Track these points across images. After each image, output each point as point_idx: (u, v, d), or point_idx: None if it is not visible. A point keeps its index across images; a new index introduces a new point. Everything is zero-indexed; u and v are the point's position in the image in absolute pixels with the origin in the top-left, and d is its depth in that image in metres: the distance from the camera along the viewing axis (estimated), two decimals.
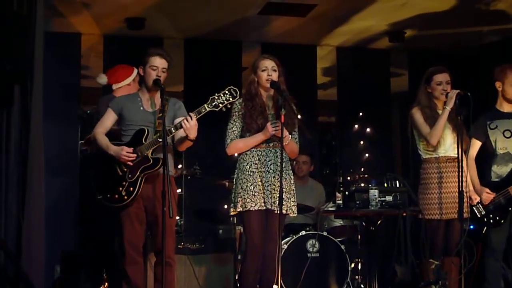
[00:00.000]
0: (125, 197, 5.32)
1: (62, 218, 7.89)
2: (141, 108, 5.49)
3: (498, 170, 6.21)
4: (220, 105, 5.25)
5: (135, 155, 5.33)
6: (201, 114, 5.25)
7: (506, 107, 6.26)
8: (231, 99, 5.26)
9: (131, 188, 5.32)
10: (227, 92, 5.26)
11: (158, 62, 5.45)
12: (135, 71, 6.42)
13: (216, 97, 5.25)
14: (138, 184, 5.32)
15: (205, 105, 5.25)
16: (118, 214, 5.41)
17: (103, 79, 6.64)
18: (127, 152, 5.31)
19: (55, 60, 7.80)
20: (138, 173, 5.33)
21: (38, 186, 5.28)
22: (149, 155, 5.33)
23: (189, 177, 7.63)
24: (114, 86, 6.52)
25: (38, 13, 5.29)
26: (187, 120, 5.17)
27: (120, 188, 5.33)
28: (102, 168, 5.45)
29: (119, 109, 5.51)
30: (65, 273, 7.25)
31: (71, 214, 8.11)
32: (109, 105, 5.58)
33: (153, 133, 5.38)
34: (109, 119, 5.55)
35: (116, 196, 5.34)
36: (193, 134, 5.24)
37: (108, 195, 5.37)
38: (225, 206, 7.17)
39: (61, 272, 7.32)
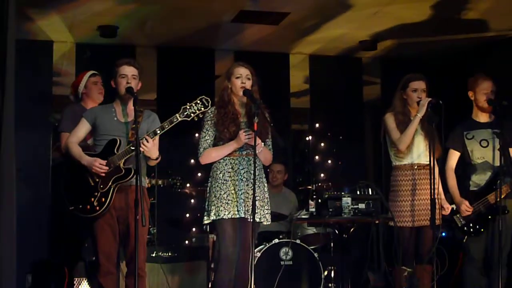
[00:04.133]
0: (97, 208, 5.30)
1: (33, 226, 7.82)
2: (115, 118, 5.48)
3: (477, 179, 6.25)
4: (192, 114, 5.26)
5: (107, 167, 5.31)
6: (173, 124, 5.26)
7: (481, 117, 6.32)
8: (202, 108, 5.28)
9: (103, 199, 5.30)
10: (198, 101, 5.28)
11: (127, 70, 5.45)
12: (89, 73, 6.45)
13: (188, 107, 5.26)
14: (110, 194, 5.29)
15: (177, 115, 5.26)
16: (90, 225, 5.38)
17: (71, 97, 6.65)
18: (100, 164, 5.30)
19: (27, 68, 7.76)
20: (110, 183, 5.31)
21: (9, 195, 5.22)
22: (121, 165, 5.32)
23: (164, 186, 7.59)
24: (79, 94, 6.52)
25: (10, 20, 5.24)
26: (144, 144, 5.19)
27: (92, 199, 5.31)
28: (74, 178, 5.43)
29: (93, 119, 5.50)
30: (36, 283, 7.19)
31: (42, 223, 8.05)
32: (83, 115, 5.57)
33: (126, 143, 5.37)
34: (82, 129, 5.53)
35: (88, 207, 5.31)
36: (153, 154, 5.32)
37: (80, 206, 5.34)
38: (198, 215, 7.17)
39: (33, 281, 7.25)
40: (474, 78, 6.32)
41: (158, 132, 5.27)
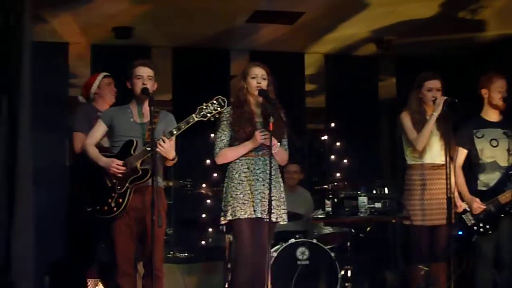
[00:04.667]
0: (114, 209, 5.31)
1: (51, 228, 7.84)
2: (131, 119, 5.49)
3: (486, 179, 6.23)
4: (208, 114, 5.27)
5: (124, 167, 5.33)
6: (189, 124, 5.26)
7: (492, 116, 6.28)
8: (219, 108, 5.28)
9: (120, 200, 5.31)
10: (215, 101, 5.29)
11: (143, 71, 5.46)
12: (102, 74, 6.48)
13: (204, 107, 5.27)
14: (127, 195, 5.31)
15: (193, 115, 5.26)
16: (107, 226, 5.40)
17: (80, 98, 6.67)
18: (117, 164, 5.32)
19: (43, 70, 7.79)
20: (127, 184, 5.32)
21: (26, 197, 5.23)
22: (138, 166, 5.33)
23: (175, 188, 7.61)
24: (91, 95, 6.54)
25: (26, 23, 5.26)
26: (160, 145, 5.22)
27: (110, 200, 5.32)
28: (91, 179, 5.44)
29: (110, 120, 5.51)
30: (54, 284, 7.21)
31: (60, 224, 8.07)
32: (100, 117, 5.60)
33: (142, 144, 5.38)
34: (99, 130, 5.55)
35: (106, 208, 5.33)
36: (170, 154, 5.34)
37: (98, 207, 5.35)
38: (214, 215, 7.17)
39: (51, 283, 7.28)
40: (488, 76, 6.29)
41: (175, 132, 5.29)
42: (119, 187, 5.33)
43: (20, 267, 5.11)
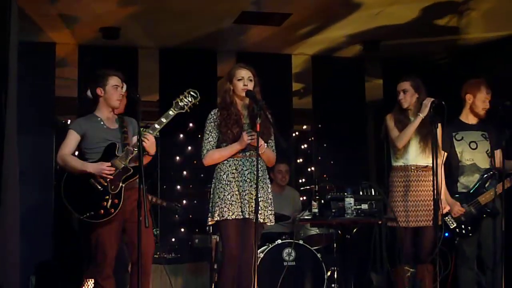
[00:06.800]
0: (112, 210, 5.34)
1: (37, 228, 7.84)
2: (104, 126, 5.55)
3: (465, 181, 6.31)
4: (185, 106, 5.45)
5: (114, 168, 5.37)
6: (170, 118, 5.43)
7: (470, 119, 6.38)
8: (193, 100, 5.46)
9: (116, 200, 5.36)
10: (187, 94, 5.49)
11: (116, 81, 5.57)
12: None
13: (179, 100, 5.45)
14: (122, 194, 5.35)
15: (172, 109, 5.44)
16: (95, 229, 5.39)
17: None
18: (107, 167, 5.36)
19: (29, 70, 7.76)
20: (120, 184, 5.36)
21: (13, 197, 5.24)
22: (128, 165, 5.39)
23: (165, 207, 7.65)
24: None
25: (12, 23, 5.26)
26: (146, 139, 5.33)
27: (105, 203, 5.33)
28: (77, 187, 5.41)
29: (83, 130, 5.53)
30: (40, 284, 7.21)
31: (46, 225, 8.07)
32: (71, 128, 5.58)
33: (122, 147, 5.46)
34: (73, 140, 5.54)
35: (102, 211, 5.33)
36: (152, 150, 5.46)
37: (92, 213, 5.33)
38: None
39: (37, 282, 7.27)
40: (475, 82, 6.37)
41: (157, 127, 5.41)
42: (113, 188, 5.35)
43: (7, 267, 5.11)
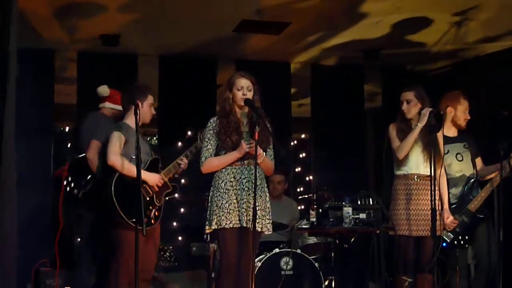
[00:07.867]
0: (153, 221, 5.57)
1: (34, 236, 7.82)
2: (141, 139, 5.61)
3: (457, 192, 6.39)
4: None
5: (163, 182, 5.69)
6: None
7: (452, 132, 6.47)
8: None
9: (157, 213, 5.60)
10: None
11: (152, 100, 5.84)
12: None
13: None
14: (162, 209, 5.61)
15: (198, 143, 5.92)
16: (130, 235, 5.38)
17: (105, 91, 6.68)
18: (160, 180, 5.67)
19: (29, 76, 7.77)
20: (163, 199, 5.63)
21: (10, 204, 5.22)
22: (167, 181, 5.69)
23: None
24: (108, 105, 6.69)
25: (12, 29, 5.25)
26: (184, 161, 5.86)
27: (149, 213, 5.53)
28: (129, 192, 5.42)
29: (127, 135, 5.63)
30: None
31: (44, 232, 8.04)
32: (117, 129, 5.67)
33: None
34: (121, 142, 5.65)
35: (147, 220, 5.43)
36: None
37: (139, 219, 5.33)
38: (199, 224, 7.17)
39: None
40: (454, 95, 6.49)
41: (192, 152, 5.90)
42: (157, 200, 5.59)
43: (3, 274, 5.09)
